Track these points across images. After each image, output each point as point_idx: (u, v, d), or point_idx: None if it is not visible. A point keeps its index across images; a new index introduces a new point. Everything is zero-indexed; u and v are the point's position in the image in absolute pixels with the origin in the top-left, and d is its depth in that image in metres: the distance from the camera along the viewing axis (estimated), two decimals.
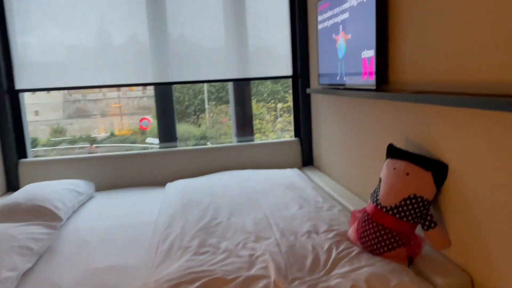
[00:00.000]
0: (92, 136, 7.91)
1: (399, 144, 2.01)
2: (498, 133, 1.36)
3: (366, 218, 1.81)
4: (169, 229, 2.15)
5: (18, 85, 3.13)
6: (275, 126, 7.00)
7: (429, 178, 1.66)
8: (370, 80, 2.09)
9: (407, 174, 1.71)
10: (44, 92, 5.02)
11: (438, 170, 1.66)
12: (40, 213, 2.31)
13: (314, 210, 2.29)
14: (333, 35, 2.57)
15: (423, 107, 1.79)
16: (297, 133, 3.63)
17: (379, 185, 1.83)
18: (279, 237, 1.97)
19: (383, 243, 1.71)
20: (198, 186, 2.86)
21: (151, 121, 7.53)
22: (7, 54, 3.07)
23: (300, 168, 3.49)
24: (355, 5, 2.22)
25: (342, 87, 2.49)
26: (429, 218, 1.67)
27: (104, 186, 3.22)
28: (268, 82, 5.40)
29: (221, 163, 3.41)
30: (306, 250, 1.81)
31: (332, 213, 2.24)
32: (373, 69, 2.04)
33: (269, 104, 6.84)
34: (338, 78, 2.55)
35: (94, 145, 7.67)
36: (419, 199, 1.66)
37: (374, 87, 2.04)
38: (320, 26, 2.83)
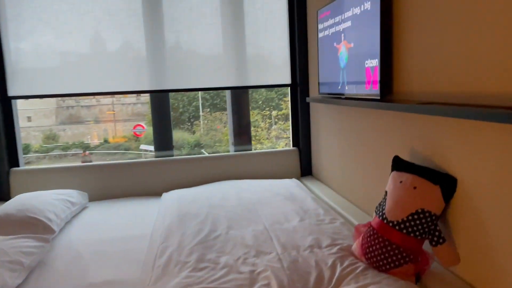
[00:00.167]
0: (85, 142, 7.82)
1: (404, 156, 1.95)
2: (510, 146, 1.31)
3: (371, 232, 1.75)
4: (166, 242, 2.07)
5: (11, 92, 3.05)
6: (270, 134, 6.96)
7: (437, 192, 1.60)
8: (374, 90, 2.04)
9: (415, 187, 1.65)
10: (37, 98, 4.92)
11: (447, 184, 1.60)
12: (31, 225, 2.23)
13: (315, 223, 2.23)
14: (335, 44, 2.53)
15: (430, 118, 1.74)
16: (295, 143, 3.57)
17: (384, 199, 1.77)
18: (281, 251, 1.90)
19: (389, 259, 1.65)
20: (195, 197, 2.79)
21: (145, 127, 7.46)
22: None
23: (298, 178, 3.43)
24: (358, 14, 2.17)
25: (344, 96, 2.44)
26: (437, 233, 1.61)
27: (98, 196, 3.13)
28: (263, 89, 5.35)
29: (218, 172, 3.34)
30: (309, 266, 1.74)
31: (334, 226, 2.18)
32: (377, 78, 1.99)
33: (264, 111, 6.80)
34: (339, 87, 2.50)
35: (88, 151, 7.58)
36: (427, 214, 1.60)
37: (378, 97, 1.99)
38: (320, 35, 2.78)
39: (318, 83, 2.88)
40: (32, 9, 2.99)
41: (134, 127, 7.56)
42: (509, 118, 1.18)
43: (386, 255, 1.66)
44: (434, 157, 1.73)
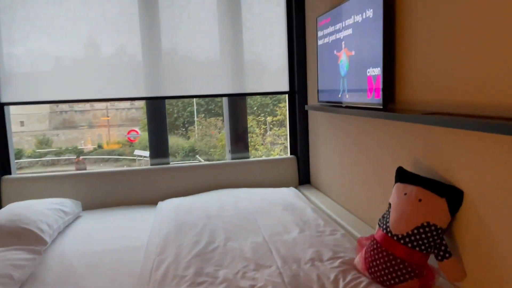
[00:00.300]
0: (79, 147, 7.73)
1: (406, 166, 1.91)
2: None
3: (375, 246, 1.70)
4: (162, 255, 2.01)
5: (3, 98, 2.98)
6: (265, 140, 6.92)
7: (443, 205, 1.56)
8: (376, 99, 2.00)
9: (420, 200, 1.61)
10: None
11: (453, 196, 1.56)
12: (23, 236, 2.15)
13: (315, 235, 2.18)
14: (335, 51, 2.49)
15: (434, 128, 1.70)
16: (293, 151, 3.52)
17: (388, 211, 1.73)
18: (281, 265, 1.85)
19: (394, 274, 1.60)
20: (192, 206, 2.73)
21: (139, 133, 7.39)
22: None
23: (296, 187, 3.37)
24: (359, 21, 2.14)
25: (344, 104, 2.40)
26: (443, 247, 1.56)
27: (91, 205, 3.06)
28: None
29: (215, 180, 3.28)
30: (311, 281, 1.69)
31: (335, 238, 2.12)
32: (380, 87, 1.95)
33: (259, 117, 6.76)
34: (339, 95, 2.46)
35: (81, 157, 7.49)
36: (433, 228, 1.55)
37: (381, 106, 1.95)
38: (320, 42, 2.74)
39: (318, 90, 2.84)
40: (25, 14, 2.93)
41: (128, 133, 7.49)
42: None
43: (391, 269, 1.61)
44: (438, 169, 1.69)
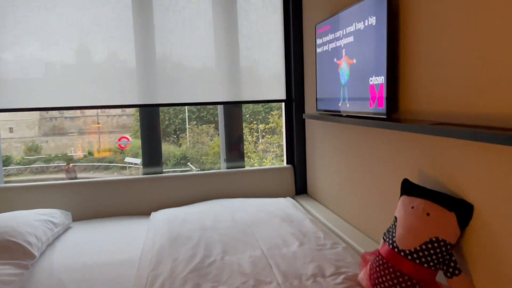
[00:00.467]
0: (69, 154, 7.60)
1: (411, 178, 1.85)
2: None
3: (381, 262, 1.63)
4: (156, 269, 1.92)
5: None
6: (257, 147, 6.86)
7: (453, 219, 1.50)
8: (379, 108, 1.94)
9: (428, 214, 1.54)
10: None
11: (462, 210, 1.50)
12: (10, 250, 2.05)
13: (316, 248, 2.10)
14: (335, 59, 2.44)
15: (441, 139, 1.64)
16: (289, 160, 3.46)
17: (394, 225, 1.66)
18: (282, 281, 1.77)
19: None
20: (186, 217, 2.64)
21: (130, 140, 7.28)
22: None
23: (293, 197, 3.30)
24: (361, 29, 2.08)
25: (345, 113, 2.34)
26: (452, 264, 1.50)
27: (82, 216, 2.95)
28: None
29: (210, 190, 3.19)
30: None
31: (337, 251, 2.05)
32: (383, 96, 1.90)
33: (251, 125, 6.71)
34: (340, 104, 2.40)
35: (71, 164, 7.35)
36: (442, 243, 1.49)
37: (384, 116, 1.89)
38: (319, 50, 2.69)
39: (316, 99, 2.78)
40: (16, 19, 2.84)
41: (119, 140, 7.37)
42: None
43: (397, 286, 1.54)
44: (445, 181, 1.63)
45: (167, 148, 6.77)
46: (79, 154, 7.82)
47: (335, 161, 2.73)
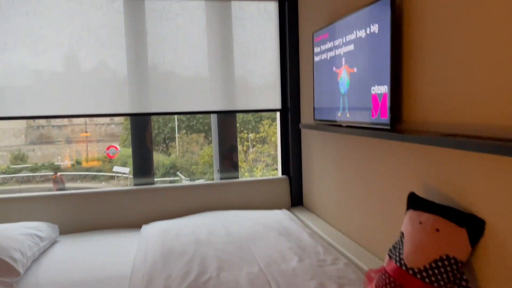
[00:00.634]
0: (56, 163, 7.43)
1: (417, 191, 1.77)
2: None
3: (387, 280, 1.55)
4: (149, 287, 1.81)
5: None
6: (248, 157, 6.78)
7: (463, 236, 1.42)
8: (382, 119, 1.87)
9: (437, 230, 1.47)
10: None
11: (473, 226, 1.43)
12: None
13: (316, 264, 2.02)
14: (334, 68, 2.37)
15: (448, 151, 1.58)
16: (285, 170, 3.38)
17: (401, 241, 1.58)
18: None
19: None
20: (179, 230, 2.54)
21: (119, 149, 7.14)
22: None
23: (289, 208, 3.22)
24: (363, 37, 2.03)
25: (344, 123, 2.27)
26: (463, 283, 1.42)
27: (69, 229, 2.82)
28: None
29: (203, 202, 3.09)
30: None
31: (338, 268, 1.97)
32: (387, 106, 1.83)
33: (242, 134, 6.64)
34: (339, 114, 2.33)
35: (59, 173, 7.18)
36: (453, 261, 1.42)
37: (388, 127, 1.82)
38: (316, 58, 2.63)
39: (314, 108, 2.71)
40: (2, 25, 2.73)
41: (107, 148, 7.23)
42: None
43: None
44: (454, 195, 1.56)
45: (156, 157, 6.66)
46: (67, 163, 7.66)
47: (333, 172, 2.66)
